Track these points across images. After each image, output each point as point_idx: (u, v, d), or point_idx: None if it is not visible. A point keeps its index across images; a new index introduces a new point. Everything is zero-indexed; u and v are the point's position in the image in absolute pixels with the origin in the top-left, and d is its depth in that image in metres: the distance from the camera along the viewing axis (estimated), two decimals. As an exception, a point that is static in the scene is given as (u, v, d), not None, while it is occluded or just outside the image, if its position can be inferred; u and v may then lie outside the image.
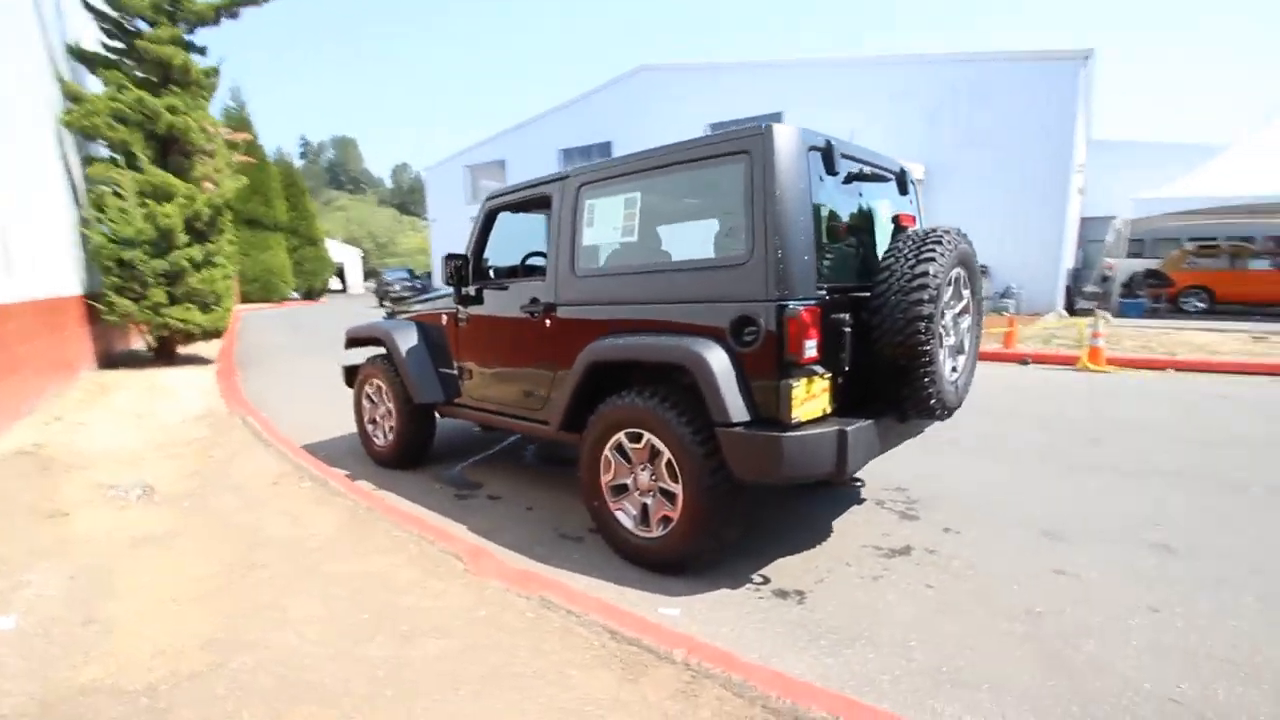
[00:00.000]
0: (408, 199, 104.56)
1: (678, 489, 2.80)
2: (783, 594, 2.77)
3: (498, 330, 3.81)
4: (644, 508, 2.99)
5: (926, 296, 2.59)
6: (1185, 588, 2.74)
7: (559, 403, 3.27)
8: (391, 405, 4.54)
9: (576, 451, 3.19)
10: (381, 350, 5.01)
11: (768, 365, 2.55)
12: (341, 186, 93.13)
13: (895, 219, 3.06)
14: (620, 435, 2.99)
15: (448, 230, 28.54)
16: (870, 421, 2.70)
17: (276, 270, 29.09)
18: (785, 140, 2.56)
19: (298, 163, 64.35)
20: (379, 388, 4.67)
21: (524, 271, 4.20)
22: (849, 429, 2.55)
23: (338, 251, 42.38)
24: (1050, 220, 15.07)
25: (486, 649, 2.28)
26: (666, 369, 2.95)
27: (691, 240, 3.20)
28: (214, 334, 9.26)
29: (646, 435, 2.88)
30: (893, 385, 2.74)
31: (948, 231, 2.79)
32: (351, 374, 5.05)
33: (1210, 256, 15.23)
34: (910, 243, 2.74)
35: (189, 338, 8.96)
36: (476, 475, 4.56)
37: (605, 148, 22.75)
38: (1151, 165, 19.34)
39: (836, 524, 3.51)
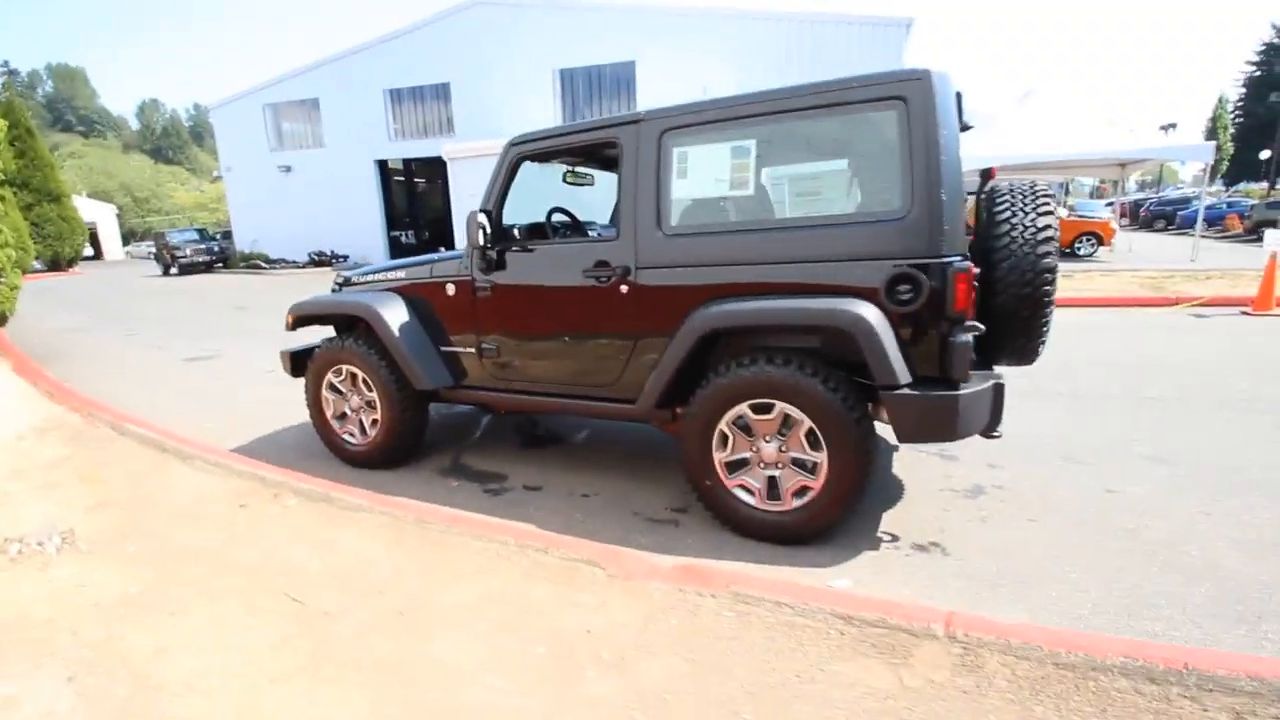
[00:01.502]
0: (163, 143, 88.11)
1: (820, 458, 2.69)
2: (922, 548, 2.82)
3: (543, 299, 3.31)
4: (770, 481, 2.84)
5: (1053, 249, 2.70)
6: (1205, 492, 3.23)
7: (659, 378, 2.95)
8: (375, 395, 3.80)
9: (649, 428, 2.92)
10: (330, 331, 4.21)
11: (930, 324, 2.50)
12: (70, 128, 75.30)
13: (985, 172, 3.13)
14: (743, 407, 2.78)
15: (247, 181, 24.47)
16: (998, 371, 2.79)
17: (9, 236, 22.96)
18: (943, 86, 2.46)
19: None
20: (351, 375, 3.88)
21: (552, 230, 3.67)
22: (1001, 381, 2.61)
23: (87, 209, 34.46)
24: (882, 175, 16.75)
25: (722, 662, 2.03)
26: (798, 333, 2.78)
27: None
28: (-3, 320, 7.08)
29: (779, 405, 2.71)
30: (1013, 335, 2.85)
31: (1047, 186, 2.91)
32: (299, 361, 4.14)
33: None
34: (1023, 197, 2.81)
35: (-40, 327, 6.75)
36: (481, 464, 4.03)
37: (443, 89, 20.82)
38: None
39: (897, 473, 3.64)
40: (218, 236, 26.15)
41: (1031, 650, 1.96)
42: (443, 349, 3.70)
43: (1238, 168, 43.72)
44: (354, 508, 3.21)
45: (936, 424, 2.50)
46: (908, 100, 2.45)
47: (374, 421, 3.87)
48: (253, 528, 3.13)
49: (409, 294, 3.78)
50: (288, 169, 23.69)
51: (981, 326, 2.57)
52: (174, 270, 23.22)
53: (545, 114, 19.13)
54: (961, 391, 2.47)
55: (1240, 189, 32.55)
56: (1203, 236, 16.63)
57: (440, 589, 2.49)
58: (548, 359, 3.36)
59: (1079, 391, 5.00)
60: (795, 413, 2.68)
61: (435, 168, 22.62)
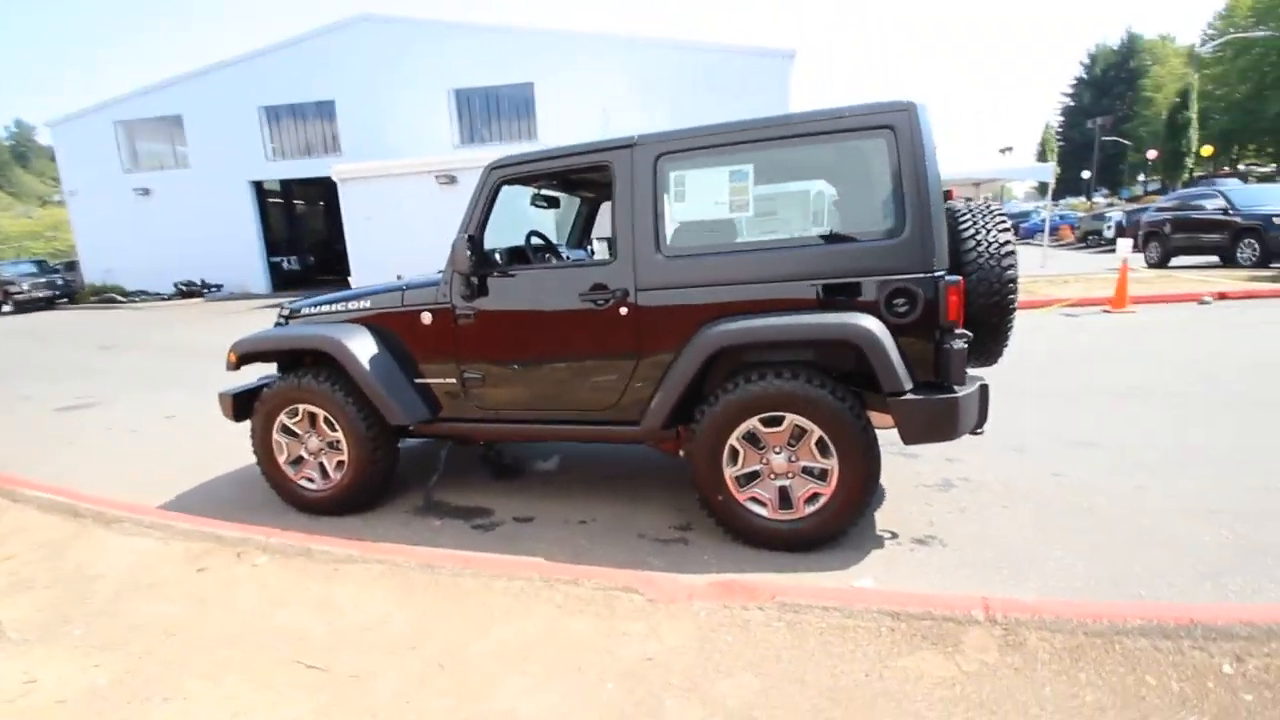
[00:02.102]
0: (-24, 165, 77.20)
1: (830, 464, 2.81)
2: (922, 542, 3.01)
3: (535, 325, 3.23)
4: (782, 491, 2.92)
5: (1014, 261, 3.00)
6: (1134, 470, 3.68)
7: (666, 396, 2.96)
8: (339, 434, 3.52)
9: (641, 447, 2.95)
10: (274, 370, 3.89)
11: (926, 333, 2.71)
12: None
13: (945, 193, 3.41)
14: (753, 421, 2.86)
15: (96, 205, 21.85)
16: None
17: None
18: (924, 116, 2.69)
19: None
20: (310, 415, 3.57)
21: (534, 254, 3.58)
22: (986, 383, 2.85)
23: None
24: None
25: (791, 672, 2.06)
26: (799, 347, 2.90)
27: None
28: None
29: (790, 417, 2.81)
30: (983, 340, 3.12)
31: (999, 204, 3.24)
32: (243, 403, 3.76)
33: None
34: (982, 215, 3.11)
35: None
36: (459, 499, 3.84)
37: (327, 107, 19.75)
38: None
39: (871, 472, 3.85)
40: (59, 268, 23.11)
41: (1063, 623, 2.15)
42: (416, 381, 3.51)
43: (1062, 185, 50.33)
44: (341, 560, 2.95)
45: (940, 425, 2.69)
46: (895, 129, 2.66)
47: (339, 464, 3.58)
48: (223, 593, 2.80)
49: (375, 324, 3.55)
50: (146, 191, 21.45)
51: (971, 334, 2.82)
52: (7, 308, 20.27)
53: (442, 135, 18.65)
54: (959, 393, 2.68)
55: (1065, 203, 37.48)
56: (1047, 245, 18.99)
57: (474, 637, 2.35)
58: (541, 385, 3.28)
59: (997, 386, 5.52)
60: (806, 423, 2.79)
61: (318, 189, 21.37)
